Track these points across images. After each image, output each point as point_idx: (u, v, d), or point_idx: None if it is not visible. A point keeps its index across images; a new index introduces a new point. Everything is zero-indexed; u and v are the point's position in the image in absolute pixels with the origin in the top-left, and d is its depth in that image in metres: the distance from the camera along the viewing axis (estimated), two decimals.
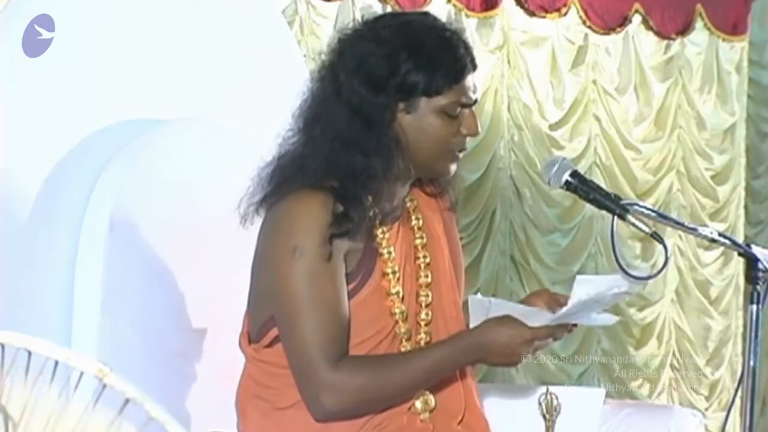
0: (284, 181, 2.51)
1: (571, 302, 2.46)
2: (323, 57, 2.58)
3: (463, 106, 2.52)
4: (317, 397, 2.45)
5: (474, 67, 2.56)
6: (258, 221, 2.55)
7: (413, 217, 2.65)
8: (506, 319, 2.48)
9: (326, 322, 2.45)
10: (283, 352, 2.50)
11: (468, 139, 2.57)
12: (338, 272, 2.47)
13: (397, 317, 2.55)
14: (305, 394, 2.47)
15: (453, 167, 2.58)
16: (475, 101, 2.55)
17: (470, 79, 2.54)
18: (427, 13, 2.63)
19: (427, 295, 2.61)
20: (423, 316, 2.60)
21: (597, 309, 2.52)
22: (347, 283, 2.50)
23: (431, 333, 2.59)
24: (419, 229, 2.64)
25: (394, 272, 2.56)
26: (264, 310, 2.53)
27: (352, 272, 2.51)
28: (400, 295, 2.56)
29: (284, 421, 2.52)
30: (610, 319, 2.60)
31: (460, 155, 2.58)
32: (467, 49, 2.54)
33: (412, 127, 2.51)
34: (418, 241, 2.63)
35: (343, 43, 2.55)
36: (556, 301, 2.55)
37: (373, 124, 2.48)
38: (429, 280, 2.62)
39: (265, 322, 2.53)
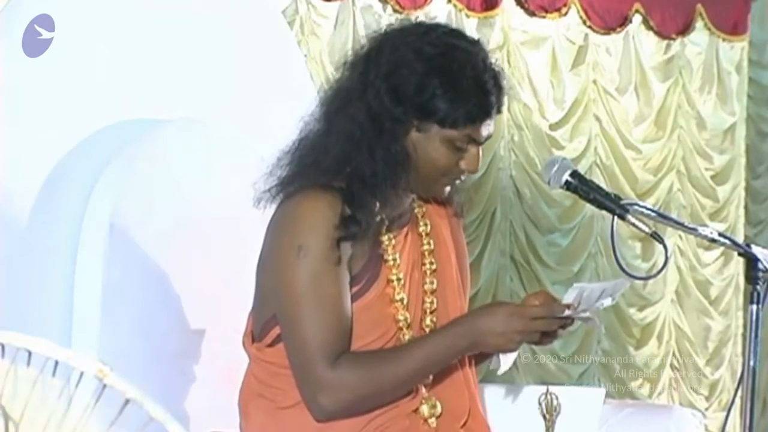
0: (298, 172, 2.51)
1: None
2: (363, 42, 2.54)
3: (473, 141, 2.52)
4: (315, 397, 2.45)
5: (499, 111, 2.53)
6: (268, 210, 2.54)
7: (421, 223, 2.64)
8: (498, 301, 2.50)
9: (327, 322, 2.44)
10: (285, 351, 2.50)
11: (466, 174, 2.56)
12: (341, 274, 2.47)
13: (400, 324, 2.55)
14: (304, 394, 2.47)
15: (447, 189, 2.58)
16: (487, 139, 2.53)
17: (489, 121, 2.51)
18: (477, 43, 2.56)
19: (432, 302, 2.61)
20: (428, 322, 2.59)
21: (590, 309, 2.52)
22: (350, 286, 2.49)
23: None
24: (427, 235, 2.64)
25: (399, 279, 2.56)
26: (267, 308, 2.53)
27: (356, 276, 2.51)
28: (405, 302, 2.56)
29: (287, 420, 2.52)
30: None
31: (458, 181, 2.57)
32: (499, 94, 2.52)
33: (418, 145, 2.51)
34: (425, 248, 2.63)
35: (387, 39, 2.52)
36: (553, 302, 2.55)
37: (385, 133, 2.47)
38: (434, 286, 2.61)
39: (267, 320, 2.53)
